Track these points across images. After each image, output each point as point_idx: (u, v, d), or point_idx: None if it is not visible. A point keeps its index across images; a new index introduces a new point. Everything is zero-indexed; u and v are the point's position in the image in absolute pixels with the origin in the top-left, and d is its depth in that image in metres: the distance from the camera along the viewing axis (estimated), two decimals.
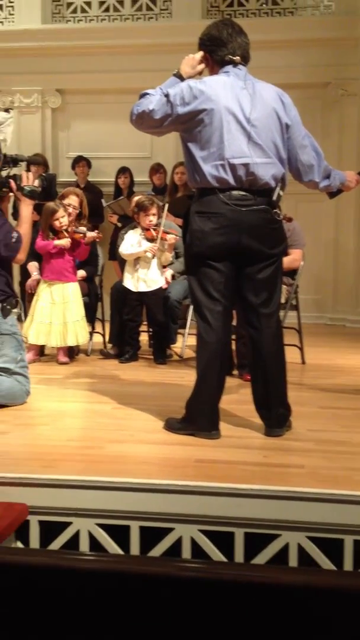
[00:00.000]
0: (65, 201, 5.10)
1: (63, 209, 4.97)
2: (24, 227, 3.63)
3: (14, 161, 3.60)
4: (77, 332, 4.85)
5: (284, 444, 2.95)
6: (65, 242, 4.87)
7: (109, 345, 5.30)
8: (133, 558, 2.14)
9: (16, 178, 3.61)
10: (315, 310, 7.22)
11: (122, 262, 5.35)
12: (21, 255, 3.62)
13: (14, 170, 3.66)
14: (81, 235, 4.97)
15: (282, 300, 4.57)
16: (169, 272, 5.17)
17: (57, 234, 4.94)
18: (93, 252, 5.41)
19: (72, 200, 5.18)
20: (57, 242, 4.86)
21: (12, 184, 3.61)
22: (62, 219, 4.92)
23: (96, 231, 5.18)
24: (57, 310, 4.83)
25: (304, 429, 3.14)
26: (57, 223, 4.91)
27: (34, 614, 1.39)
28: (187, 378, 4.13)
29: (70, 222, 5.00)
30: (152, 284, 4.99)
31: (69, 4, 7.84)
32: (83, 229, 5.04)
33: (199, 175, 2.95)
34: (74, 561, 1.48)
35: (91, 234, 5.01)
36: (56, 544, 2.41)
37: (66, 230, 4.93)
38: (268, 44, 6.90)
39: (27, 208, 3.68)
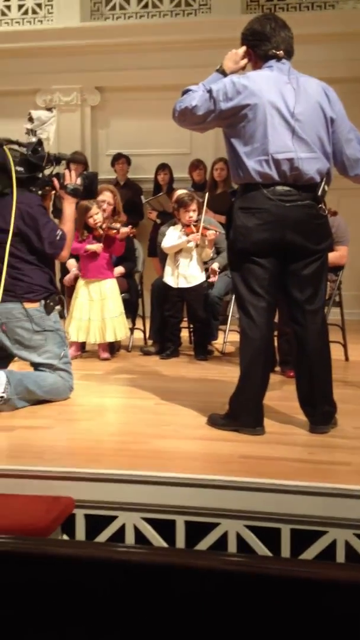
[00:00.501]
0: (100, 197, 5.12)
1: (97, 206, 5.00)
2: (68, 225, 3.68)
3: (56, 160, 3.63)
4: (116, 327, 4.87)
5: (329, 441, 2.92)
6: (96, 247, 4.90)
7: (150, 342, 5.32)
8: (178, 551, 2.15)
9: (59, 176, 3.65)
10: (358, 306, 7.14)
11: (162, 259, 5.36)
12: (65, 253, 3.65)
13: (57, 169, 3.70)
14: (115, 231, 4.99)
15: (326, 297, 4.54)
16: (215, 264, 5.16)
17: (92, 231, 4.97)
18: (131, 248, 5.44)
19: (106, 196, 5.20)
20: (89, 246, 4.91)
21: (56, 182, 3.65)
22: (97, 216, 4.95)
23: (130, 226, 5.19)
24: (95, 307, 4.86)
25: (349, 426, 3.11)
26: (91, 220, 4.94)
27: (80, 606, 1.40)
28: (228, 374, 4.13)
29: (105, 218, 5.03)
30: (192, 279, 4.99)
31: (108, 1, 7.88)
32: (117, 225, 5.06)
33: (243, 171, 2.93)
34: (119, 553, 1.49)
35: (125, 230, 5.02)
36: (102, 538, 2.42)
37: (101, 227, 4.95)
38: (309, 38, 6.82)
39: (70, 206, 3.72)
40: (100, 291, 4.90)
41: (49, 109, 3.61)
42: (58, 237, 3.58)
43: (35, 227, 3.50)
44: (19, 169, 3.45)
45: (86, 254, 4.91)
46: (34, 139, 3.55)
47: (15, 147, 3.48)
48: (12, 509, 2.29)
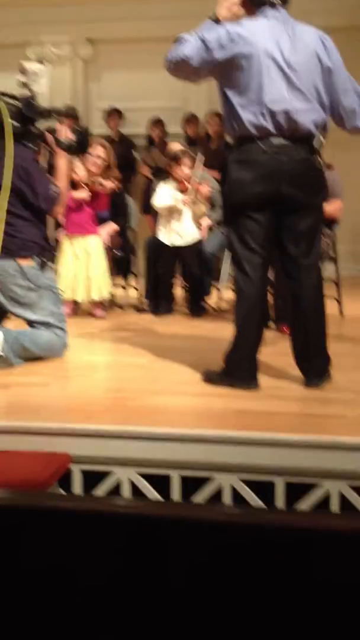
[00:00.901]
0: (92, 152, 5.03)
1: (79, 161, 4.92)
2: (62, 181, 3.64)
3: (49, 114, 3.56)
4: (101, 285, 4.84)
5: (323, 395, 2.93)
6: (84, 194, 4.83)
7: (144, 300, 5.30)
8: (172, 504, 2.17)
9: (53, 131, 3.59)
10: (352, 261, 7.12)
11: (155, 216, 5.31)
12: (60, 209, 3.63)
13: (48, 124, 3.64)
14: (99, 184, 4.92)
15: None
16: (205, 221, 5.11)
17: (75, 187, 4.90)
18: (123, 204, 5.37)
19: (99, 151, 5.12)
20: (75, 194, 4.83)
21: (49, 137, 3.59)
22: (79, 172, 4.88)
23: (113, 181, 5.09)
24: (81, 264, 4.82)
25: (343, 380, 3.12)
26: (74, 176, 4.87)
27: (79, 558, 1.42)
28: (223, 331, 4.11)
29: (97, 172, 4.96)
30: (186, 236, 4.96)
31: None
32: (101, 179, 4.99)
33: (237, 123, 2.87)
34: (116, 507, 1.50)
35: (110, 184, 4.95)
36: (98, 493, 2.44)
37: (85, 183, 4.88)
38: None
39: (63, 161, 3.67)
40: (84, 248, 4.85)
41: (41, 62, 3.52)
42: (53, 193, 3.54)
43: (29, 182, 3.45)
44: (14, 122, 3.38)
45: (73, 206, 4.83)
46: (26, 92, 3.47)
47: (9, 100, 3.40)
48: (10, 465, 2.31)
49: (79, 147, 3.74)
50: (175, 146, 5.21)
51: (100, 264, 4.88)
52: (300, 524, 1.25)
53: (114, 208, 5.22)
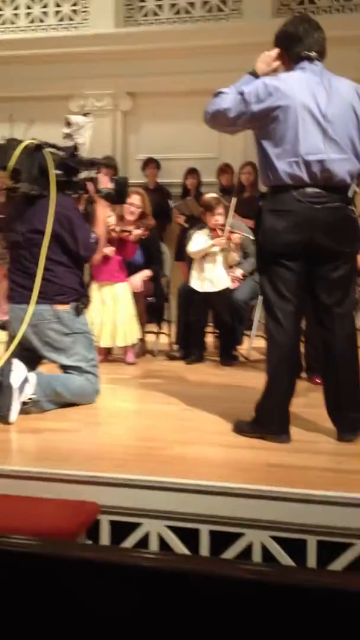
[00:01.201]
0: (128, 201, 5.11)
1: (111, 209, 4.99)
2: (101, 229, 3.72)
3: (91, 164, 3.67)
4: (127, 332, 4.85)
5: (357, 450, 2.87)
6: (108, 250, 4.87)
7: (175, 347, 5.30)
8: (201, 559, 2.13)
9: (94, 180, 3.67)
10: None
11: (189, 263, 5.35)
12: (98, 256, 3.69)
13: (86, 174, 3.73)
14: (127, 233, 4.98)
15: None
16: (238, 271, 5.13)
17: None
18: (158, 250, 5.42)
19: (135, 199, 5.19)
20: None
21: (90, 186, 3.67)
22: (110, 219, 4.94)
23: (142, 228, 5.17)
24: (108, 311, 4.84)
25: None
26: None
27: (103, 610, 1.39)
28: (254, 380, 4.08)
29: (133, 220, 5.02)
30: (218, 283, 4.97)
31: (141, 8, 7.91)
32: (130, 227, 5.04)
33: (272, 173, 2.90)
34: (140, 559, 1.47)
35: (137, 232, 5.01)
36: (126, 545, 2.40)
37: (114, 230, 4.94)
38: (341, 41, 6.76)
39: (103, 210, 3.76)
40: (112, 295, 4.88)
41: (85, 114, 3.64)
42: (93, 241, 3.62)
43: (71, 230, 3.53)
44: (58, 171, 3.48)
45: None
46: (70, 143, 3.57)
47: (53, 150, 3.51)
48: (38, 512, 2.29)
49: (118, 197, 3.83)
50: (211, 196, 5.26)
51: (127, 310, 4.90)
52: (332, 584, 1.21)
53: (147, 255, 5.27)
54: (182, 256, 6.26)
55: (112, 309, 4.86)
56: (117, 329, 4.82)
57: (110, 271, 4.92)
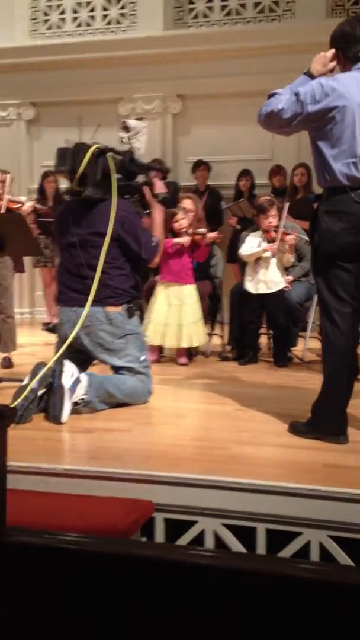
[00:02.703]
0: (182, 205, 5.13)
1: (183, 211, 5.01)
2: (159, 232, 3.75)
3: (148, 168, 3.71)
4: (192, 334, 4.85)
5: None
6: (185, 239, 4.90)
7: (228, 348, 5.28)
8: (258, 557, 2.11)
9: (150, 184, 3.71)
10: None
11: (242, 265, 5.33)
12: (157, 259, 3.74)
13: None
14: (201, 236, 4.99)
15: None
16: (289, 276, 5.09)
17: (176, 236, 4.98)
18: (210, 253, 5.42)
19: (187, 204, 5.20)
20: (176, 239, 4.90)
21: (147, 190, 3.71)
22: (182, 221, 4.96)
23: (216, 232, 5.17)
24: (173, 312, 4.86)
25: None
26: (176, 225, 4.96)
27: (161, 607, 1.39)
28: (309, 381, 4.05)
29: (189, 224, 5.04)
30: (272, 285, 4.94)
31: (191, 10, 7.93)
32: (203, 230, 5.06)
33: (329, 174, 2.87)
34: (198, 557, 1.47)
35: (211, 235, 5.02)
36: (181, 542, 2.40)
37: (186, 232, 4.96)
38: None
39: (160, 214, 3.79)
40: (179, 296, 4.90)
41: (140, 119, 3.68)
42: (154, 244, 3.66)
43: (134, 233, 3.57)
44: (118, 176, 3.52)
45: (172, 250, 4.89)
46: (126, 148, 3.62)
47: (113, 154, 3.55)
48: (92, 510, 2.30)
49: (172, 200, 3.86)
50: (261, 199, 5.23)
51: (194, 313, 4.91)
52: None
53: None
54: (235, 258, 6.25)
55: (178, 309, 4.87)
56: (182, 330, 4.83)
57: (178, 272, 4.93)
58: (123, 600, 1.42)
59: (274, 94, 2.94)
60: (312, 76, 2.95)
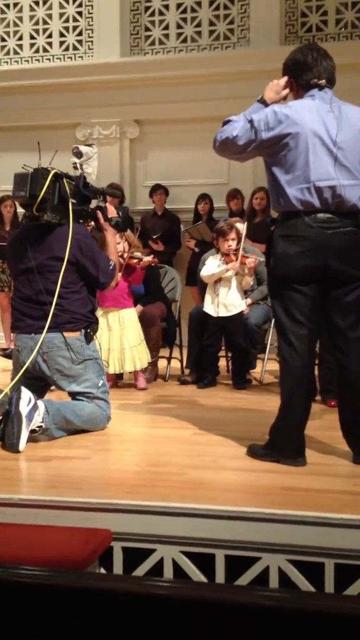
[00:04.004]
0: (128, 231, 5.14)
1: (119, 236, 5.00)
2: (114, 256, 3.76)
3: (100, 193, 3.73)
4: (135, 357, 4.83)
5: None
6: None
7: (187, 371, 5.28)
8: (217, 586, 2.09)
9: (102, 209, 3.72)
10: None
11: (201, 288, 5.35)
12: (114, 283, 3.72)
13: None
14: (137, 260, 4.99)
15: None
16: (248, 300, 5.13)
17: None
18: (157, 278, 5.42)
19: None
20: None
21: (100, 215, 3.72)
22: (119, 246, 4.96)
23: (152, 255, 5.17)
24: (115, 337, 4.83)
25: None
26: None
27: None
28: (267, 403, 4.06)
29: (126, 249, 5.04)
30: (232, 308, 4.96)
31: (147, 37, 8.02)
32: (138, 254, 5.06)
33: (284, 199, 2.91)
34: (156, 588, 1.44)
35: (147, 259, 5.02)
36: (140, 571, 2.37)
37: (121, 256, 4.96)
38: (349, 67, 6.81)
39: (113, 238, 3.80)
40: (119, 320, 4.87)
41: (90, 145, 3.69)
42: (111, 268, 3.66)
43: (92, 257, 3.57)
44: (73, 200, 3.52)
45: None
46: (77, 173, 3.63)
47: (68, 180, 3.55)
48: (50, 541, 2.26)
49: (124, 225, 3.90)
50: (220, 223, 5.27)
51: (135, 335, 4.89)
52: (349, 610, 1.18)
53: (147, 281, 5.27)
54: (194, 281, 6.27)
55: (119, 334, 4.85)
56: (124, 355, 4.80)
57: (116, 297, 4.92)
58: (79, 634, 1.39)
59: (229, 120, 2.98)
60: (265, 103, 2.99)
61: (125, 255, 4.97)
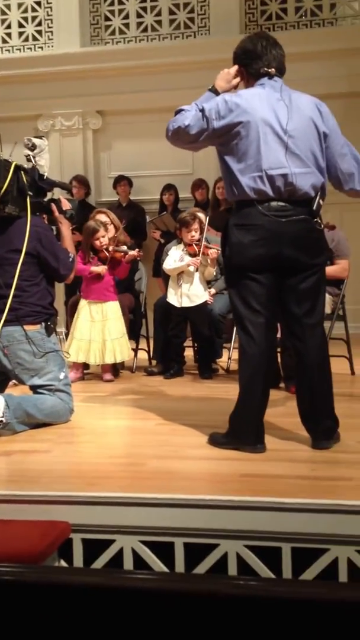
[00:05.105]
0: (101, 220, 5.12)
1: (104, 228, 5.00)
2: (70, 247, 3.77)
3: (54, 186, 3.72)
4: (116, 349, 4.84)
5: (331, 457, 2.87)
6: (101, 269, 4.90)
7: (154, 362, 5.29)
8: (180, 576, 2.10)
9: (56, 202, 3.71)
10: None
11: (166, 279, 5.35)
12: (73, 275, 3.74)
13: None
14: (122, 254, 4.99)
15: (328, 311, 4.50)
16: (212, 289, 5.14)
17: (97, 253, 4.97)
18: (133, 268, 5.42)
19: (104, 218, 5.19)
20: (93, 268, 4.91)
21: (54, 207, 3.70)
22: (103, 239, 4.96)
23: (137, 249, 5.19)
24: (97, 328, 4.84)
25: (353, 440, 3.06)
26: (97, 242, 4.95)
27: (79, 635, 1.36)
28: (233, 392, 4.04)
29: (110, 239, 5.03)
30: (195, 299, 4.97)
31: (107, 27, 7.96)
32: (124, 247, 5.06)
33: (237, 188, 2.92)
34: (121, 580, 1.45)
35: (132, 252, 5.02)
36: (100, 562, 2.38)
37: (107, 249, 4.96)
38: (309, 56, 6.88)
39: (68, 231, 3.80)
40: (102, 312, 4.88)
41: (40, 137, 3.67)
42: (70, 259, 3.67)
43: (51, 249, 3.57)
44: (30, 193, 3.50)
45: (90, 276, 4.91)
46: (29, 165, 3.60)
47: (24, 173, 3.52)
48: (6, 535, 2.26)
49: (77, 218, 3.92)
50: (183, 213, 5.27)
51: (117, 328, 4.89)
52: (307, 595, 1.19)
53: None
54: (159, 272, 6.27)
55: (101, 326, 4.85)
56: (106, 346, 4.80)
57: (101, 290, 4.92)
58: (45, 630, 1.39)
59: (181, 110, 2.98)
60: (216, 92, 3.00)
61: (111, 248, 4.96)
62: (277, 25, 7.62)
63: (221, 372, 5.16)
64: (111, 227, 5.14)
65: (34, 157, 3.55)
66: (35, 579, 1.47)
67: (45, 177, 3.61)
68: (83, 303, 4.94)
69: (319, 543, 2.27)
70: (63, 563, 2.38)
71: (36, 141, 3.57)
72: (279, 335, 3.52)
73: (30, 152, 3.55)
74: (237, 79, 3.06)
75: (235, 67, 3.06)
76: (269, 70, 2.97)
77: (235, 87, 3.08)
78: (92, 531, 2.39)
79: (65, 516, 2.39)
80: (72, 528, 2.37)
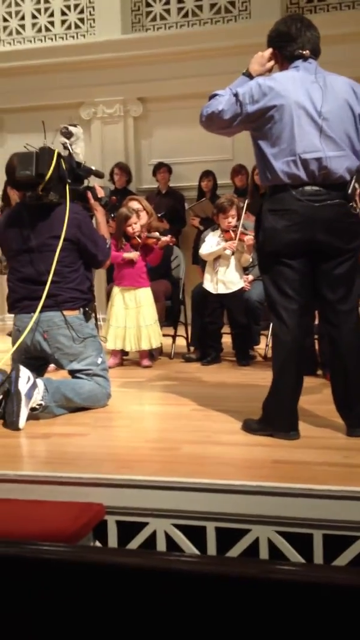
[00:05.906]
0: (133, 207, 5.14)
1: (136, 215, 5.02)
2: (106, 234, 3.84)
3: (90, 173, 3.76)
4: (150, 335, 4.88)
5: None
6: (133, 255, 4.93)
7: (191, 349, 5.31)
8: (227, 560, 2.12)
9: (92, 189, 3.75)
10: None
11: (204, 266, 5.35)
12: (109, 262, 3.81)
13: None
14: (154, 240, 5.00)
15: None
16: (250, 276, 5.13)
17: (129, 239, 5.00)
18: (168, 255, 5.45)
19: (136, 205, 5.21)
20: (125, 254, 4.94)
21: (90, 195, 3.74)
22: (135, 225, 4.98)
23: (170, 235, 5.19)
24: (131, 315, 4.89)
25: None
26: (130, 229, 4.97)
27: (120, 614, 1.38)
28: (269, 379, 4.00)
29: (143, 226, 5.05)
30: (231, 285, 4.97)
31: (148, 13, 7.94)
32: (156, 234, 5.07)
33: (270, 173, 2.90)
34: (165, 562, 1.47)
35: (165, 238, 5.03)
36: (134, 544, 2.42)
37: (139, 236, 4.97)
38: (350, 37, 6.76)
39: (103, 217, 3.86)
40: (135, 299, 4.92)
41: (75, 125, 3.70)
42: (108, 245, 3.74)
43: (91, 235, 3.62)
44: (68, 180, 3.55)
45: (123, 262, 4.94)
46: (66, 153, 3.64)
47: (63, 161, 3.58)
48: (41, 516, 2.31)
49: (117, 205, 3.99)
50: (221, 199, 5.26)
51: (150, 314, 4.93)
52: (341, 581, 1.20)
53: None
54: (199, 259, 6.27)
55: (136, 312, 4.89)
56: (141, 332, 4.85)
57: (133, 276, 4.96)
58: (85, 607, 1.41)
59: (215, 95, 2.97)
60: (250, 76, 2.98)
61: (143, 235, 4.99)
62: (319, 7, 7.50)
63: (259, 359, 5.15)
64: (143, 214, 5.16)
65: (70, 144, 3.59)
66: (70, 557, 1.50)
67: (82, 164, 3.66)
68: (116, 290, 4.98)
69: (351, 530, 2.26)
70: (98, 544, 2.43)
71: (72, 129, 3.61)
72: (317, 322, 3.50)
73: (67, 140, 3.59)
74: (271, 62, 3.04)
75: (270, 50, 3.03)
76: (303, 52, 2.93)
77: (270, 71, 3.05)
78: (126, 513, 2.43)
79: (100, 498, 2.44)
80: (106, 510, 2.41)
